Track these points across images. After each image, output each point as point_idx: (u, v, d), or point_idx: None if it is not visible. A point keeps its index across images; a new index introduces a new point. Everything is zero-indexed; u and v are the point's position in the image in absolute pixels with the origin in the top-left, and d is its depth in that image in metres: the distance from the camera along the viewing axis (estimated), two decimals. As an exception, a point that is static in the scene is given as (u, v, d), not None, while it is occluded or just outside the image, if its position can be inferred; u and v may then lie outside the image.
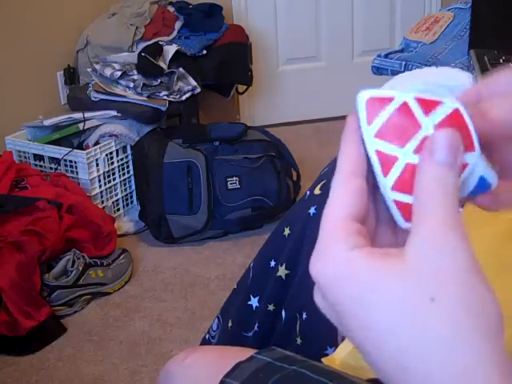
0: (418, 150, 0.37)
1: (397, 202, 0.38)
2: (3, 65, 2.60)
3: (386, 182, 0.38)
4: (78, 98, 2.61)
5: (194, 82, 2.63)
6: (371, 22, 3.43)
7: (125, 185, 2.61)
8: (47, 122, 2.50)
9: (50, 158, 2.48)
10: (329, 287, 0.37)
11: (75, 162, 2.43)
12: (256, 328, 1.39)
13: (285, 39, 3.41)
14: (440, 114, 0.37)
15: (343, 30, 3.45)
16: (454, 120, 0.37)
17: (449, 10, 2.13)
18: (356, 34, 3.47)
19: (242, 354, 0.77)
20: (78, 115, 2.50)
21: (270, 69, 3.43)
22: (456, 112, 0.37)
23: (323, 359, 0.80)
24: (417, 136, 0.37)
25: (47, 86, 2.80)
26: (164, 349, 1.91)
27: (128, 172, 2.60)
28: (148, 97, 2.51)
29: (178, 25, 2.89)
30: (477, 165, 0.38)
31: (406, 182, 0.37)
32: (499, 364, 0.34)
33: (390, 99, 0.38)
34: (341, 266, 0.36)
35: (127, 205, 2.64)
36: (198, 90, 2.64)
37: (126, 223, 2.56)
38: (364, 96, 0.40)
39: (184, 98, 2.58)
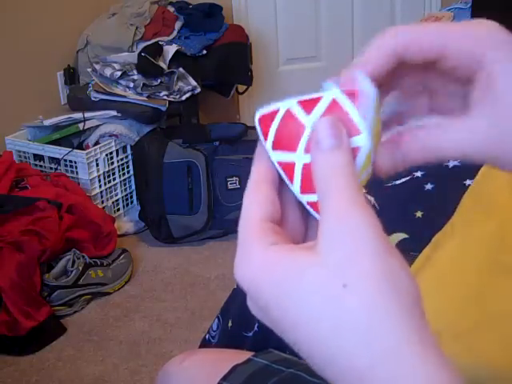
0: (307, 150, 0.38)
1: (309, 203, 0.39)
2: (3, 65, 2.60)
3: (295, 188, 0.39)
4: (78, 98, 2.61)
5: (193, 82, 2.63)
6: (371, 22, 3.43)
7: (125, 185, 2.61)
8: (47, 122, 2.50)
9: (49, 157, 2.48)
10: (252, 289, 0.36)
11: (75, 162, 2.42)
12: (256, 328, 1.39)
13: (285, 39, 3.41)
14: (320, 108, 0.38)
15: (343, 30, 3.45)
16: (333, 110, 0.37)
17: (449, 10, 2.13)
18: (356, 34, 3.47)
19: (240, 356, 0.77)
20: (77, 115, 2.50)
21: (270, 69, 3.43)
22: (334, 102, 0.38)
23: None
24: (304, 137, 0.38)
25: (47, 86, 2.80)
26: (164, 349, 1.91)
27: (128, 172, 2.60)
28: (148, 97, 2.51)
29: (178, 25, 2.89)
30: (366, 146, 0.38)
31: (309, 182, 0.38)
32: (421, 340, 0.33)
33: (276, 111, 0.39)
34: (259, 266, 0.36)
35: (127, 205, 2.64)
36: (198, 90, 2.64)
37: (126, 223, 2.55)
38: (257, 116, 0.40)
39: (184, 97, 2.58)
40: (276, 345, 1.36)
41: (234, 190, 2.43)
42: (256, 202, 0.40)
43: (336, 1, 3.38)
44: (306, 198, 0.39)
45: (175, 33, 2.86)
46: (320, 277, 0.34)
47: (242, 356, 0.77)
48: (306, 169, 0.38)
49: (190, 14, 2.91)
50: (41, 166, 2.50)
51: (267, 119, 0.39)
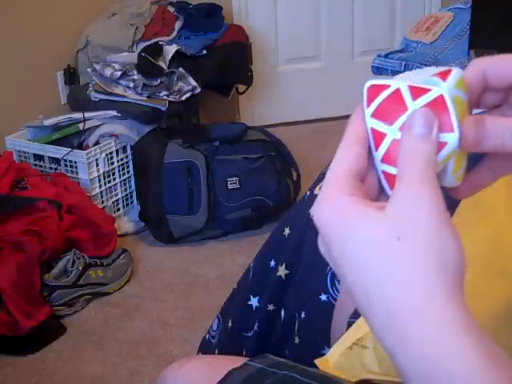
0: (401, 128, 0.43)
1: (385, 173, 0.45)
2: (3, 65, 2.60)
3: (377, 155, 0.45)
4: (77, 98, 2.61)
5: (193, 82, 2.63)
6: (371, 22, 3.43)
7: (125, 185, 2.61)
8: (47, 122, 2.50)
9: (49, 157, 2.48)
10: (323, 228, 0.42)
11: (75, 162, 2.43)
12: (256, 328, 1.39)
13: (285, 39, 3.41)
14: (425, 98, 0.43)
15: (343, 29, 3.45)
16: (436, 104, 0.43)
17: (449, 10, 2.13)
18: (356, 34, 3.47)
19: (236, 362, 0.78)
20: (78, 115, 2.50)
21: (270, 69, 3.43)
22: (440, 97, 0.43)
23: (316, 360, 0.80)
24: (403, 117, 0.43)
25: (47, 86, 2.80)
26: (164, 349, 1.91)
27: (128, 172, 2.60)
28: (148, 97, 2.51)
29: (178, 25, 2.89)
30: (454, 151, 0.43)
31: (392, 156, 0.44)
32: (454, 297, 0.38)
33: (387, 86, 0.44)
34: (333, 209, 0.42)
35: (127, 205, 2.64)
36: (198, 89, 2.64)
37: (126, 223, 2.56)
38: (367, 84, 0.46)
39: (184, 97, 2.58)
40: (275, 345, 1.37)
41: (234, 190, 2.43)
42: (347, 156, 0.44)
43: (336, 1, 3.38)
44: (383, 167, 0.44)
45: (175, 33, 2.86)
46: (379, 227, 0.40)
47: (238, 361, 0.78)
48: (394, 144, 0.44)
49: (190, 14, 2.91)
50: (41, 166, 2.51)
51: (376, 90, 0.45)
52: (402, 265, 0.38)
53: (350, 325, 0.84)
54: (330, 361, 0.80)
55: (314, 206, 0.43)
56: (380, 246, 0.39)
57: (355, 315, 0.86)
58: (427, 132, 0.42)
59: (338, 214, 0.42)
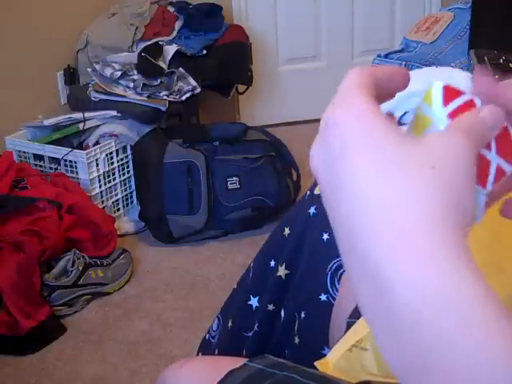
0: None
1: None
2: (3, 65, 2.60)
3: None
4: (78, 98, 2.61)
5: (193, 82, 2.63)
6: (371, 22, 3.43)
7: (125, 185, 2.61)
8: (47, 122, 2.50)
9: (49, 157, 2.48)
10: (340, 129, 0.38)
11: (75, 162, 2.43)
12: (256, 328, 1.39)
13: (285, 39, 3.41)
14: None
15: (343, 30, 3.45)
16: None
17: (449, 10, 2.13)
18: (356, 34, 3.47)
19: (235, 362, 0.78)
20: (78, 115, 2.50)
21: (270, 69, 3.43)
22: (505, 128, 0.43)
23: (316, 362, 0.80)
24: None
25: (47, 86, 2.80)
26: (164, 349, 1.91)
27: (128, 172, 2.60)
28: (148, 97, 2.51)
29: (178, 25, 2.89)
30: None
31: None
32: (460, 244, 0.36)
33: (462, 93, 0.43)
34: (362, 111, 0.38)
35: (127, 205, 2.64)
36: (198, 90, 2.64)
37: (126, 223, 2.56)
38: (440, 83, 0.44)
39: (184, 97, 2.58)
40: (275, 345, 1.37)
41: (234, 190, 2.43)
42: (362, 72, 0.42)
43: (336, 1, 3.38)
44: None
45: (175, 33, 2.86)
46: (415, 153, 0.37)
47: (237, 362, 0.78)
48: None
49: (190, 14, 2.91)
50: (41, 166, 2.51)
51: (452, 93, 0.43)
52: (428, 190, 0.37)
53: (349, 325, 0.84)
54: (329, 363, 0.80)
55: (334, 108, 0.40)
56: (412, 165, 0.37)
57: (354, 316, 0.86)
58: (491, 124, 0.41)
59: (366, 120, 0.38)
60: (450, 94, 0.43)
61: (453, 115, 0.42)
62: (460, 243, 0.36)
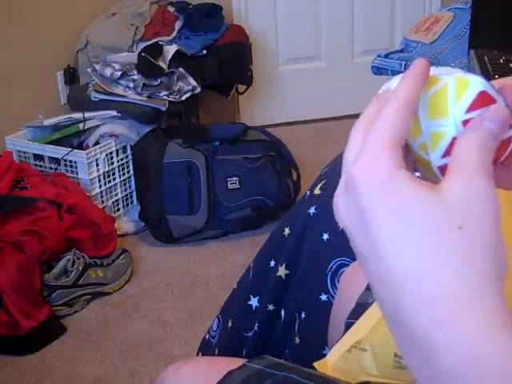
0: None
1: (441, 168, 0.43)
2: (3, 65, 2.60)
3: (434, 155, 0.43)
4: (78, 98, 2.61)
5: (194, 82, 2.63)
6: (371, 22, 3.43)
7: (125, 185, 2.61)
8: (47, 122, 2.50)
9: (49, 157, 2.48)
10: (368, 189, 0.39)
11: (75, 162, 2.43)
12: (256, 328, 1.39)
13: (285, 39, 3.41)
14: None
15: (343, 29, 3.45)
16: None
17: (449, 10, 2.13)
18: (356, 34, 3.47)
19: (234, 363, 0.78)
20: (78, 115, 2.50)
21: (270, 69, 3.43)
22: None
23: (315, 363, 0.80)
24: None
25: (47, 86, 2.80)
26: (164, 349, 1.91)
27: (128, 172, 2.60)
28: (148, 97, 2.51)
29: (178, 25, 2.89)
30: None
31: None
32: (502, 295, 0.37)
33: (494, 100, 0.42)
34: (386, 176, 0.39)
35: (127, 205, 2.64)
36: (198, 89, 2.64)
37: (126, 223, 2.55)
38: (482, 85, 0.43)
39: (184, 97, 2.58)
40: (275, 345, 1.37)
41: (234, 190, 2.43)
42: (396, 121, 0.41)
43: (336, 1, 3.38)
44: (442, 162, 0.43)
45: (175, 33, 2.86)
46: (440, 212, 0.38)
47: (236, 363, 0.78)
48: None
49: (190, 14, 2.91)
50: (41, 166, 2.50)
51: (485, 98, 0.42)
52: (460, 253, 0.37)
53: (348, 326, 0.84)
54: (328, 363, 0.80)
55: (357, 162, 0.40)
56: (439, 230, 0.37)
57: (353, 316, 0.86)
58: (497, 131, 0.41)
59: (390, 185, 0.39)
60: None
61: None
62: (498, 306, 0.37)
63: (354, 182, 0.39)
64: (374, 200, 0.39)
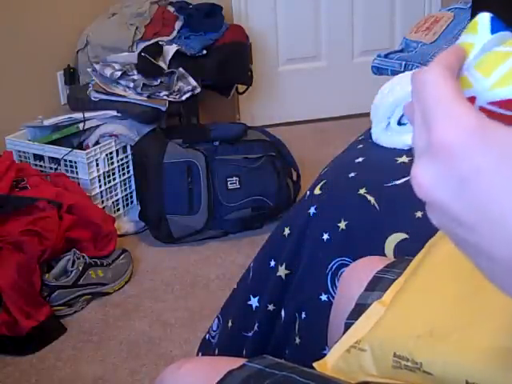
0: None
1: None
2: (3, 65, 2.60)
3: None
4: (78, 98, 2.61)
5: (194, 82, 2.63)
6: (371, 22, 3.43)
7: (125, 185, 2.61)
8: (47, 122, 2.50)
9: (50, 157, 2.48)
10: (464, 148, 0.36)
11: (75, 162, 2.43)
12: (256, 328, 1.39)
13: (285, 39, 3.41)
14: None
15: (343, 29, 3.45)
16: None
17: (449, 10, 2.13)
18: (356, 34, 3.47)
19: (234, 363, 0.78)
20: (78, 115, 2.50)
21: (270, 69, 3.43)
22: None
23: (315, 363, 0.80)
24: None
25: (47, 86, 2.80)
26: (164, 349, 1.91)
27: (128, 172, 2.60)
28: (148, 97, 2.51)
29: (178, 25, 2.89)
30: None
31: None
32: None
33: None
34: (475, 128, 0.36)
35: (127, 205, 2.64)
36: (198, 89, 2.64)
37: (126, 223, 2.55)
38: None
39: (184, 97, 2.58)
40: (275, 345, 1.37)
41: (234, 190, 2.43)
42: (450, 76, 0.39)
43: (336, 1, 3.38)
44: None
45: (175, 33, 2.86)
46: None
47: (236, 362, 0.78)
48: None
49: (190, 14, 2.91)
50: (41, 166, 2.50)
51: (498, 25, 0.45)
52: None
53: (347, 326, 0.84)
54: (328, 364, 0.80)
55: (443, 127, 0.37)
56: None
57: (352, 317, 0.86)
58: None
59: (485, 136, 0.36)
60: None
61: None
62: None
63: (443, 147, 0.36)
64: (474, 157, 0.35)
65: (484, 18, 0.43)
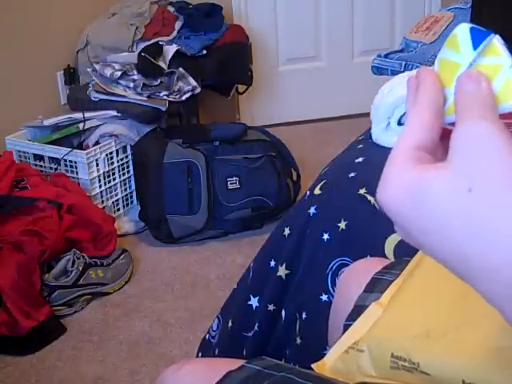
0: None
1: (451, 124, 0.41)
2: (3, 65, 2.60)
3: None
4: (78, 98, 2.61)
5: (194, 82, 2.63)
6: (371, 22, 3.43)
7: (125, 185, 2.61)
8: (47, 122, 2.50)
9: (49, 157, 2.48)
10: (391, 210, 0.40)
11: (75, 162, 2.43)
12: (256, 328, 1.39)
13: (285, 39, 3.41)
14: None
15: (343, 30, 3.45)
16: None
17: (449, 10, 2.13)
18: (356, 34, 3.47)
19: (233, 364, 0.78)
20: (78, 115, 2.50)
21: (270, 69, 3.43)
22: None
23: (313, 364, 0.81)
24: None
25: (47, 86, 2.80)
26: (164, 349, 1.91)
27: (128, 172, 2.60)
28: (148, 97, 2.51)
29: (178, 25, 2.89)
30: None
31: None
32: None
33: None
34: (394, 188, 0.40)
35: (127, 205, 2.64)
36: (198, 89, 2.64)
37: (126, 223, 2.56)
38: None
39: (184, 97, 2.58)
40: (276, 345, 1.37)
41: (234, 190, 2.43)
42: (412, 127, 0.41)
43: (336, 1, 3.38)
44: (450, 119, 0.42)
45: (175, 33, 2.86)
46: (447, 182, 0.37)
47: (235, 364, 0.78)
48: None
49: (190, 14, 2.91)
50: (41, 165, 2.51)
51: (479, 35, 0.42)
52: (484, 219, 0.36)
53: (345, 327, 0.84)
54: (326, 364, 0.80)
55: (378, 192, 0.41)
56: (454, 202, 0.36)
57: (351, 318, 0.86)
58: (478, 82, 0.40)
59: (399, 191, 0.39)
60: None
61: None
62: None
63: (385, 210, 0.40)
64: (396, 213, 0.40)
65: (464, 32, 0.41)
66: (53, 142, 2.50)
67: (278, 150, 2.55)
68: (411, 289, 0.80)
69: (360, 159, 1.43)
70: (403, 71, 1.86)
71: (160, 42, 2.72)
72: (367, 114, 1.55)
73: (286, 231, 1.41)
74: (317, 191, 1.39)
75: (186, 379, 0.82)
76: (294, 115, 3.50)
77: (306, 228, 1.36)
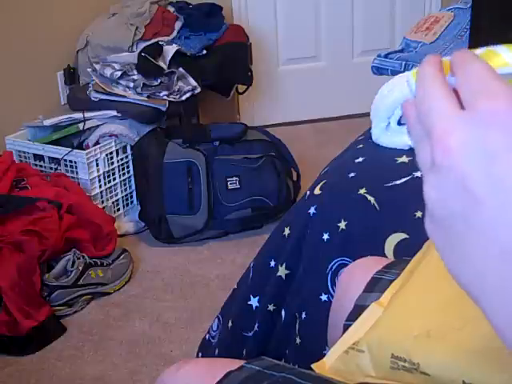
0: None
1: None
2: (3, 65, 2.60)
3: None
4: (78, 98, 2.61)
5: (193, 82, 2.63)
6: (371, 22, 3.43)
7: (125, 185, 2.61)
8: (47, 122, 2.50)
9: (50, 157, 2.48)
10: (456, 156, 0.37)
11: (75, 162, 2.43)
12: (256, 328, 1.39)
13: (285, 39, 3.41)
14: None
15: (343, 30, 3.45)
16: None
17: (449, 10, 2.13)
18: (356, 34, 3.47)
19: (233, 364, 0.78)
20: (78, 115, 2.50)
21: (270, 69, 3.43)
22: None
23: (313, 365, 0.81)
24: None
25: (47, 86, 2.80)
26: (164, 349, 1.91)
27: (128, 172, 2.60)
28: (148, 97, 2.51)
29: (178, 25, 2.89)
30: None
31: None
32: None
33: None
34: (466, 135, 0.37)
35: (127, 205, 2.64)
36: (198, 89, 2.64)
37: (126, 223, 2.55)
38: None
39: (184, 97, 2.58)
40: (276, 345, 1.37)
41: (234, 190, 2.43)
42: (444, 96, 0.40)
43: (336, 1, 3.38)
44: None
45: (175, 33, 2.86)
46: None
47: (234, 364, 0.78)
48: None
49: (190, 14, 2.91)
50: (41, 165, 2.51)
51: None
52: None
53: (346, 327, 0.84)
54: (326, 365, 0.80)
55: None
56: None
57: (351, 318, 0.86)
58: None
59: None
60: None
61: None
62: None
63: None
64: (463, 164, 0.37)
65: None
66: (53, 142, 2.50)
67: (278, 149, 2.55)
68: (411, 289, 0.80)
69: (360, 159, 1.43)
70: (403, 71, 1.86)
71: (160, 42, 2.72)
72: (367, 114, 1.55)
73: (286, 231, 1.41)
74: (317, 191, 1.39)
75: (186, 379, 0.82)
76: (294, 115, 3.50)
77: (306, 228, 1.36)
